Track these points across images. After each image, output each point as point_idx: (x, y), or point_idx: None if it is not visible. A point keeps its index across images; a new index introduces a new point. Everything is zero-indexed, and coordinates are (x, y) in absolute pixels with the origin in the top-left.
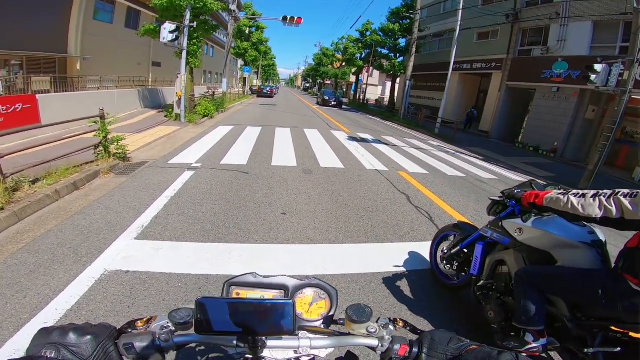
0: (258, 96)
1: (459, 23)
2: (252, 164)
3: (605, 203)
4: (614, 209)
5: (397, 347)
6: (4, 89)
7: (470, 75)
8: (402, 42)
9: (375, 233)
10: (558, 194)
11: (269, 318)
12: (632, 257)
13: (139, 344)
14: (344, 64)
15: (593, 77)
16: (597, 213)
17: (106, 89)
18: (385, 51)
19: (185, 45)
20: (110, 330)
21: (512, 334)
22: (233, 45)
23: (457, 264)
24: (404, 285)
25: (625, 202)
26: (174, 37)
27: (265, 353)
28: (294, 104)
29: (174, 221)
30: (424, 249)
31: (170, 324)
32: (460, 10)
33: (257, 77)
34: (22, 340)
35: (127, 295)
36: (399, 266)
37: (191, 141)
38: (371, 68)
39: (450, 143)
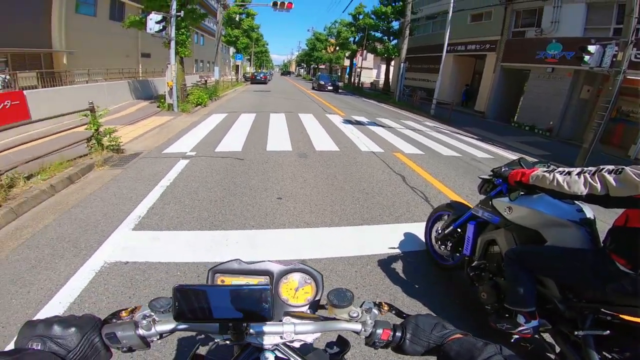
0: (252, 83)
1: (451, 5)
2: (247, 150)
3: (590, 180)
4: (598, 186)
5: (379, 331)
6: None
7: (464, 56)
8: (395, 24)
9: (371, 215)
10: (544, 172)
11: (247, 304)
12: (619, 237)
13: (121, 333)
14: (337, 48)
15: (587, 58)
16: (582, 190)
17: (95, 82)
18: (378, 34)
19: (173, 35)
20: (94, 321)
21: (506, 315)
22: (223, 33)
23: (451, 244)
24: (399, 267)
25: (610, 178)
26: (161, 27)
27: (251, 339)
28: (288, 90)
29: (170, 210)
30: (419, 229)
31: (153, 313)
32: None
33: (250, 64)
34: None
35: (127, 286)
36: (394, 248)
37: (185, 130)
38: (365, 51)
39: (445, 123)
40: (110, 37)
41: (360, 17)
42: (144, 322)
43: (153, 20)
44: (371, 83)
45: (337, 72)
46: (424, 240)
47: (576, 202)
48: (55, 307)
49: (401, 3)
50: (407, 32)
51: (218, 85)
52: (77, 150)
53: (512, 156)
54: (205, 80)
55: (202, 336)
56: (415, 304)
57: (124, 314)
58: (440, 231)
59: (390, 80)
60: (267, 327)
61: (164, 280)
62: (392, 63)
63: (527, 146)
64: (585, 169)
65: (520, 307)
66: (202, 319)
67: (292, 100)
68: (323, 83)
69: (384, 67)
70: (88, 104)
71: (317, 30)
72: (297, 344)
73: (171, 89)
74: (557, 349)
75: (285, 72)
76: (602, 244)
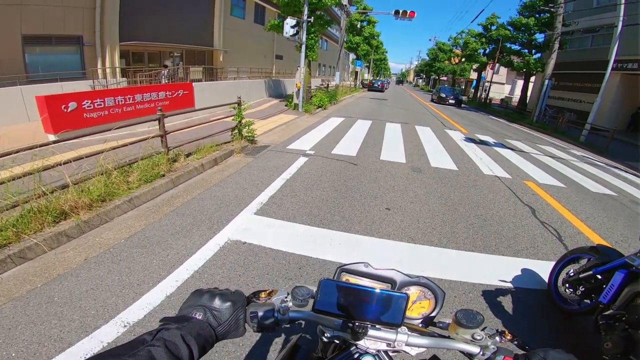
0: (369, 90)
1: (621, 18)
2: (361, 156)
3: None
4: None
5: (500, 357)
6: (168, 77)
7: (636, 75)
8: (539, 37)
9: (485, 243)
10: None
11: (383, 308)
12: None
13: (262, 314)
14: (463, 59)
15: None
16: None
17: (240, 79)
18: (515, 47)
19: (304, 39)
20: (243, 298)
21: None
22: (345, 39)
23: (583, 289)
24: (506, 301)
25: None
26: (295, 31)
27: (360, 341)
28: (405, 100)
29: (287, 202)
30: (541, 268)
31: (288, 299)
32: (623, 5)
33: (369, 70)
34: (154, 296)
35: (240, 265)
36: (506, 281)
37: (306, 129)
38: (497, 65)
39: (600, 154)
40: (253, 38)
41: (493, 27)
42: (282, 307)
43: (289, 25)
44: (502, 99)
45: (461, 85)
46: (545, 279)
47: None
48: (182, 273)
49: (548, 14)
50: (556, 45)
51: (338, 89)
52: (223, 137)
53: None
54: (327, 84)
55: (305, 327)
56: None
57: (262, 294)
58: (573, 273)
59: (528, 97)
60: (383, 333)
61: (270, 266)
62: (533, 79)
63: None
64: None
65: None
66: (340, 315)
67: (409, 111)
68: (444, 96)
69: (520, 82)
70: (237, 98)
71: (440, 40)
72: (394, 354)
73: (299, 90)
74: None
75: (399, 80)
76: None
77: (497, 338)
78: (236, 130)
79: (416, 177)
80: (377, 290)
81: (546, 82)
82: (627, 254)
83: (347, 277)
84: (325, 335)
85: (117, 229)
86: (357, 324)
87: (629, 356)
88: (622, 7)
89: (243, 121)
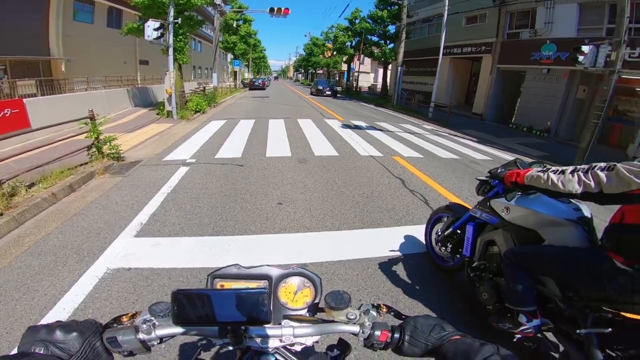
0: (250, 89)
1: (446, 8)
2: (246, 156)
3: (584, 178)
4: (592, 183)
5: (377, 333)
6: None
7: (461, 59)
8: (391, 28)
9: (371, 218)
10: (538, 172)
11: (245, 307)
12: (616, 234)
13: (122, 337)
14: (334, 52)
15: (581, 58)
16: (577, 188)
17: (94, 89)
18: (375, 38)
19: (171, 42)
20: (95, 326)
21: (508, 315)
22: (221, 39)
23: (451, 245)
24: (400, 269)
25: (602, 175)
26: (159, 34)
27: (251, 343)
28: (286, 95)
29: (171, 217)
30: (419, 232)
31: (153, 318)
32: None
33: (248, 70)
34: None
35: (130, 292)
36: (395, 250)
37: (185, 137)
38: (362, 56)
39: (444, 126)
40: (107, 44)
41: (357, 21)
42: (144, 326)
43: (151, 28)
44: (369, 87)
45: (335, 77)
46: (424, 242)
47: (573, 200)
48: (59, 313)
49: (397, 7)
50: (404, 35)
51: (216, 91)
52: (79, 158)
53: (510, 158)
54: (204, 87)
55: (205, 341)
56: (417, 305)
57: (124, 318)
58: (439, 233)
59: (388, 84)
60: (266, 331)
61: (167, 286)
62: (390, 67)
63: (525, 147)
64: (579, 167)
65: (521, 307)
66: (201, 323)
67: (290, 106)
68: (321, 88)
69: (381, 71)
70: (88, 112)
71: (315, 35)
72: (298, 347)
73: (170, 96)
74: (561, 348)
75: (275, 77)
76: (599, 242)
77: (373, 313)
78: (94, 149)
79: (303, 168)
80: (234, 291)
81: (399, 69)
82: (471, 207)
83: (221, 283)
84: (216, 344)
85: None
86: (229, 328)
87: (505, 303)
88: None
89: (102, 137)
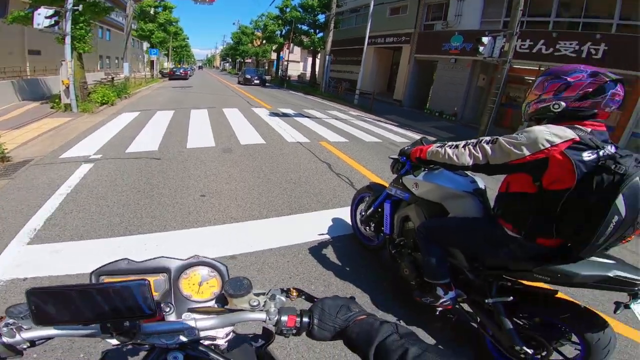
0: (170, 79)
1: None
2: (164, 148)
3: (473, 151)
4: (480, 155)
5: (284, 318)
6: None
7: (383, 48)
8: (321, 17)
9: (299, 204)
10: (437, 147)
11: (122, 302)
12: (504, 203)
13: None
14: (264, 41)
15: (481, 49)
16: (468, 161)
17: None
18: (305, 27)
19: (68, 30)
20: None
21: (429, 289)
22: (135, 27)
23: (373, 224)
24: (330, 252)
25: (487, 147)
26: (53, 22)
27: (153, 340)
28: (212, 85)
29: (73, 219)
30: (346, 214)
31: (16, 321)
32: None
33: (168, 59)
34: None
35: None
36: (324, 234)
37: (87, 131)
38: (292, 45)
39: (368, 112)
40: None
41: (288, 10)
42: (5, 329)
43: (42, 15)
44: (298, 76)
45: (264, 66)
46: (350, 223)
47: (468, 173)
48: None
49: None
50: (332, 25)
51: (128, 82)
52: None
53: None
54: (112, 77)
55: (130, 346)
56: (348, 286)
57: None
58: (362, 213)
59: (317, 72)
60: (162, 326)
61: None
62: (319, 56)
63: (437, 130)
64: (469, 141)
65: (436, 280)
66: (69, 322)
67: (215, 95)
68: (249, 77)
69: (310, 60)
70: None
71: (244, 24)
72: (220, 342)
73: (67, 87)
74: (478, 319)
75: (200, 66)
76: (492, 211)
77: (281, 297)
78: None
79: (227, 157)
80: (105, 285)
81: (327, 57)
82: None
83: (108, 280)
84: (112, 344)
85: None
86: (108, 325)
87: (424, 277)
88: None
89: None
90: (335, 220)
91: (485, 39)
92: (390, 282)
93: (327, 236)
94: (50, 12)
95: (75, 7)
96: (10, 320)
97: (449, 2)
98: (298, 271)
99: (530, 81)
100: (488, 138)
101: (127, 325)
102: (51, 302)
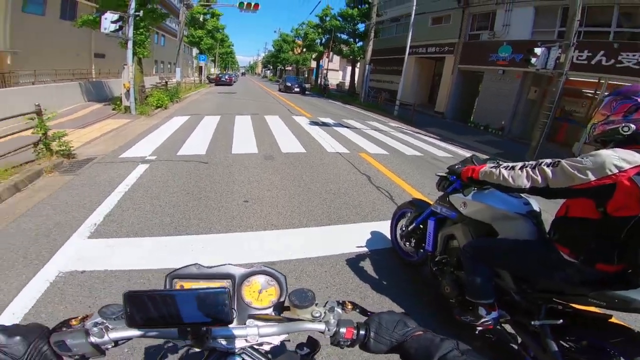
0: (216, 84)
1: (414, 8)
2: (211, 153)
3: (531, 173)
4: (539, 178)
5: (343, 330)
6: None
7: (425, 59)
8: (361, 27)
9: (338, 215)
10: (491, 167)
11: (205, 308)
12: (562, 227)
13: (71, 341)
14: (304, 49)
15: (533, 60)
16: (525, 183)
17: (43, 83)
18: (344, 36)
19: (130, 35)
20: (41, 329)
21: (470, 308)
22: (186, 33)
23: (414, 240)
24: (367, 265)
25: (548, 170)
26: (117, 27)
27: (215, 344)
28: (254, 91)
29: (129, 217)
30: (385, 227)
31: (105, 320)
32: None
33: (215, 65)
34: None
35: (86, 295)
36: (362, 246)
37: (144, 133)
38: (331, 53)
39: (408, 124)
40: (60, 36)
41: (327, 19)
42: (95, 329)
43: (108, 20)
44: (337, 85)
45: (304, 74)
46: (390, 237)
47: (522, 195)
48: (9, 318)
49: (367, 6)
50: (372, 34)
51: (180, 87)
52: (25, 155)
53: (469, 154)
54: (166, 82)
55: (170, 344)
56: (384, 300)
57: (74, 322)
58: (403, 228)
59: (356, 81)
60: (230, 331)
61: (127, 288)
62: (358, 65)
63: (483, 145)
64: (527, 163)
65: (480, 299)
66: (157, 325)
67: (258, 102)
68: (290, 85)
69: (349, 68)
70: (35, 107)
71: (284, 32)
72: (267, 347)
73: (128, 90)
74: (519, 340)
75: (243, 73)
76: (547, 235)
77: (339, 310)
78: (41, 146)
79: (269, 165)
80: (192, 292)
81: (367, 67)
82: (433, 203)
83: (180, 284)
84: (178, 346)
85: None
86: (188, 329)
87: (465, 296)
88: None
89: (50, 133)
90: (374, 233)
91: (537, 50)
92: (428, 298)
93: (366, 249)
94: (115, 17)
95: (137, 13)
96: (100, 320)
97: (496, 11)
98: (335, 282)
99: (589, 94)
100: (549, 160)
101: (203, 330)
102: (144, 305)
